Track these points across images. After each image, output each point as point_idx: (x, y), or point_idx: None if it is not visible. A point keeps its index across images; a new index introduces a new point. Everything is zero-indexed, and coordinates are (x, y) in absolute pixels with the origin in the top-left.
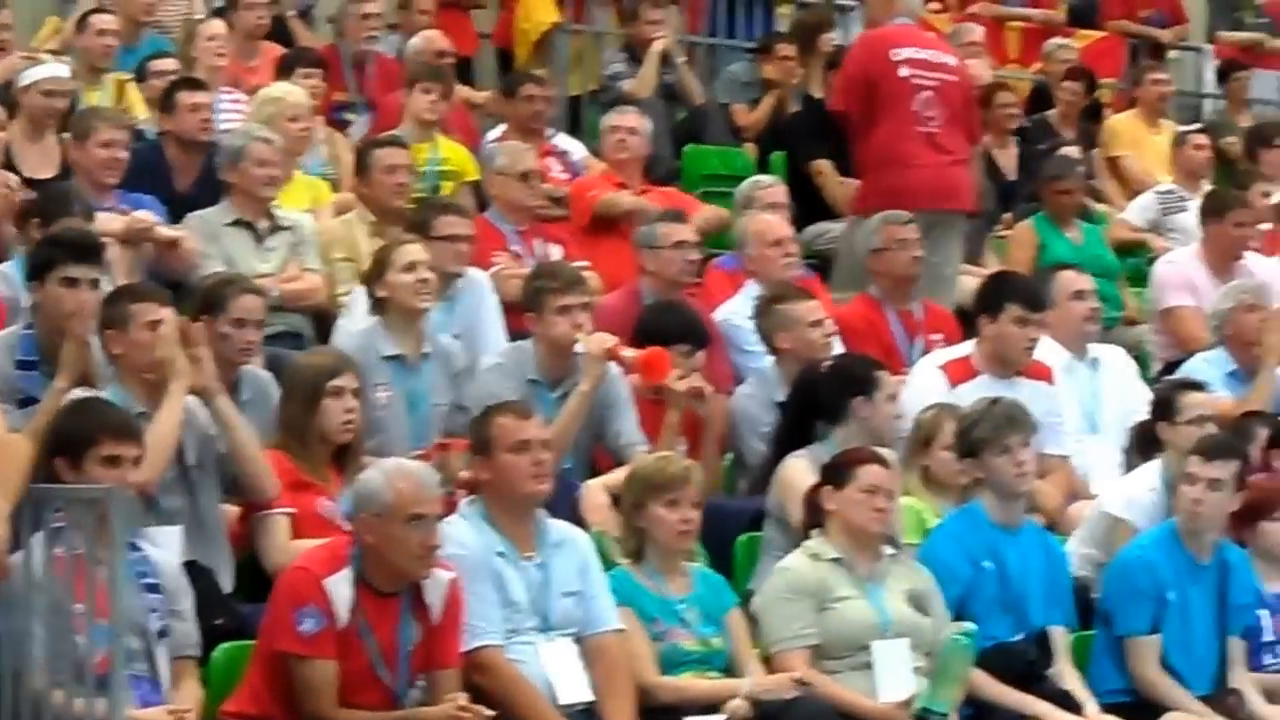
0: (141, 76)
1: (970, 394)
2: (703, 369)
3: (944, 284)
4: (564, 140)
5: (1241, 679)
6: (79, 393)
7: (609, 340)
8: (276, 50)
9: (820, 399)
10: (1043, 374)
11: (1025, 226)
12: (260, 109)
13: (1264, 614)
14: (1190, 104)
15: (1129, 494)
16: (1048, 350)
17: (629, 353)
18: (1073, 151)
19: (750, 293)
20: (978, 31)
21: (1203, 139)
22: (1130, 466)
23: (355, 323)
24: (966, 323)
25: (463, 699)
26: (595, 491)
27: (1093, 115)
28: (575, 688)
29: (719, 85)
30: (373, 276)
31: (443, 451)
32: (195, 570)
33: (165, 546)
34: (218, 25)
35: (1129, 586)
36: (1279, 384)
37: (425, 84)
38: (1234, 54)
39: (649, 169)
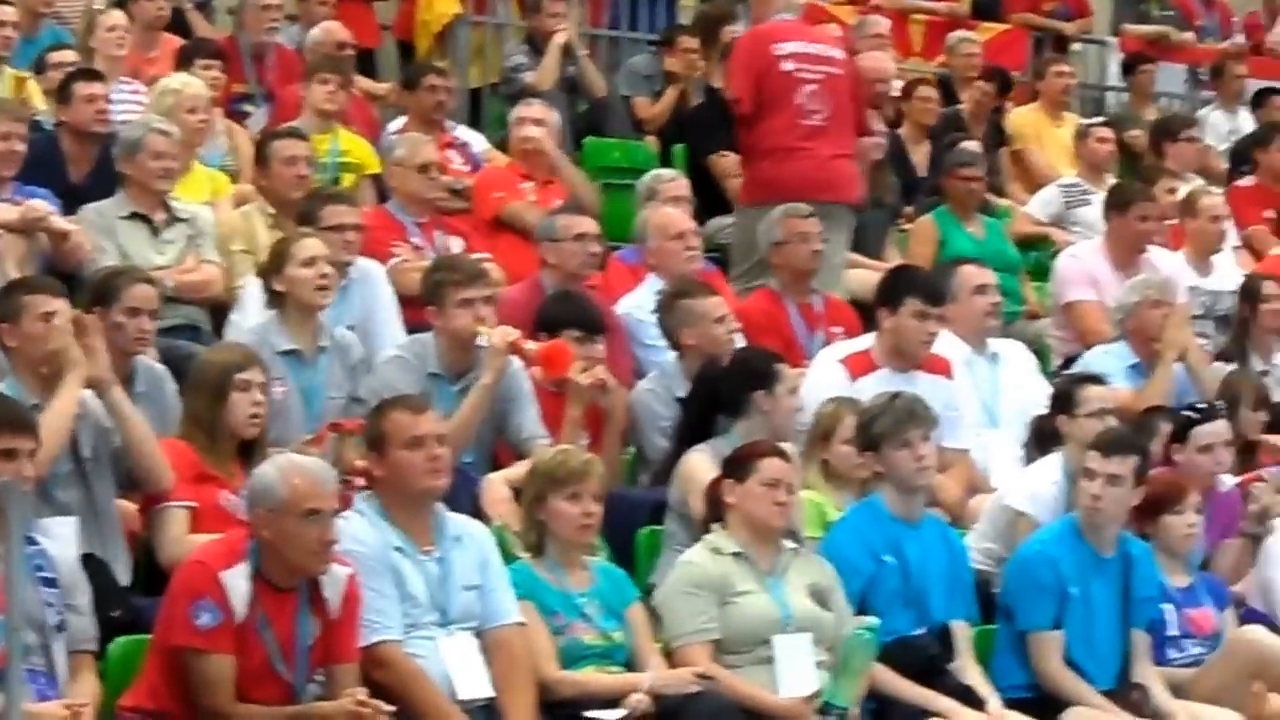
0: (41, 68)
1: (870, 387)
2: (604, 362)
3: (830, 274)
4: (465, 132)
5: (1145, 673)
6: None
7: (511, 334)
8: (176, 41)
9: (721, 393)
10: (942, 368)
11: (926, 221)
12: (159, 100)
13: (1167, 608)
14: (1094, 97)
15: (1030, 488)
16: (948, 344)
17: (530, 346)
18: (975, 145)
19: (652, 286)
20: (883, 24)
21: (1106, 132)
22: (1029, 460)
23: (249, 317)
24: (867, 316)
25: (361, 694)
26: (496, 485)
27: (998, 109)
28: (475, 682)
29: (621, 78)
30: (270, 270)
31: (336, 431)
32: (92, 564)
33: (61, 539)
34: (117, 16)
35: (1030, 581)
36: (1178, 378)
37: (324, 75)
38: (1140, 47)
39: None
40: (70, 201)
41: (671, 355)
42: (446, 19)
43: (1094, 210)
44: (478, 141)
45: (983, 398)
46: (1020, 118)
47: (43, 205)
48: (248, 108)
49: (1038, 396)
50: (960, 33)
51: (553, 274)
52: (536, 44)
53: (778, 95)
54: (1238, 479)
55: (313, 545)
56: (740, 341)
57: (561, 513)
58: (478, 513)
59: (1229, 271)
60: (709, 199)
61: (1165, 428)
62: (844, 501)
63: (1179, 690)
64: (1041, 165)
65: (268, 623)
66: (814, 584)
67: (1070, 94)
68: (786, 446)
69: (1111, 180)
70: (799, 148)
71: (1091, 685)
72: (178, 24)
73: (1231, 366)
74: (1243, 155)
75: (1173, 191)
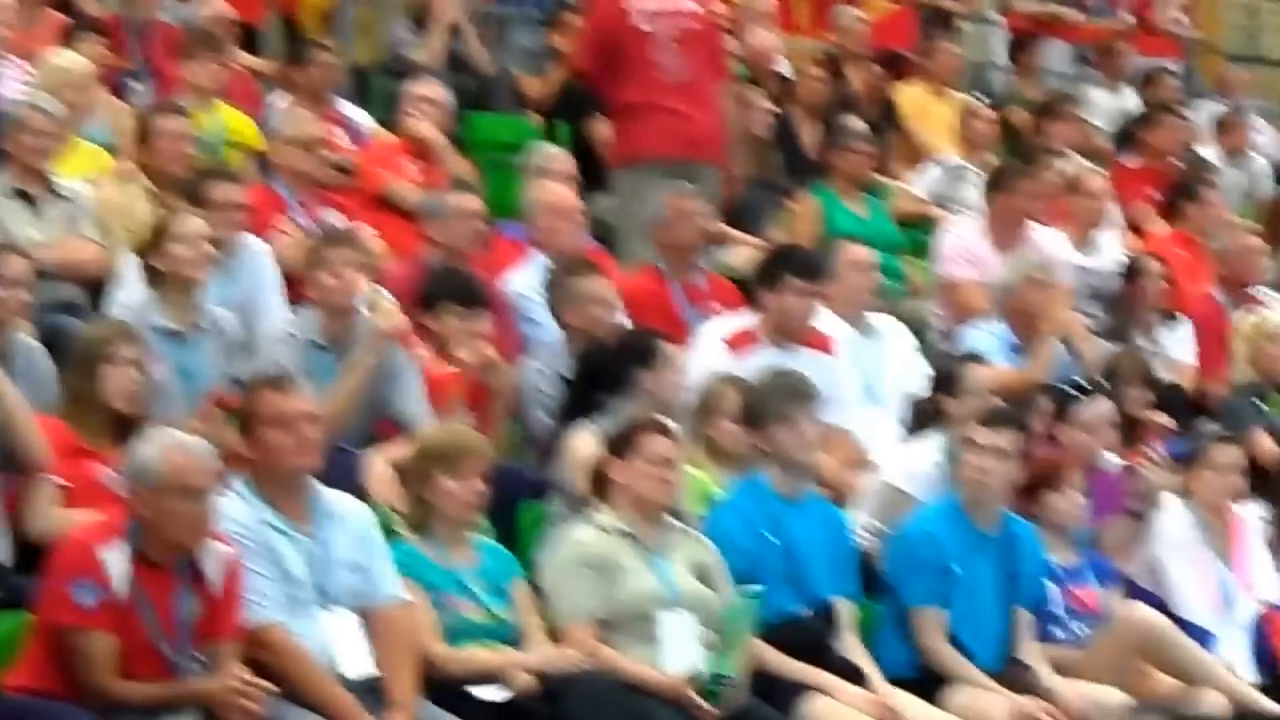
0: None
1: (752, 365)
2: (490, 339)
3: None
4: (350, 109)
5: (1029, 651)
6: None
7: (397, 320)
8: (60, 18)
9: (605, 371)
10: (823, 345)
11: (809, 199)
12: (43, 77)
13: (1052, 586)
14: (980, 76)
15: (910, 466)
16: (828, 322)
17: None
18: (859, 124)
19: (537, 263)
20: (768, 1)
21: (990, 111)
22: (909, 439)
23: (128, 294)
24: (751, 294)
25: (244, 672)
26: (377, 463)
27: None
28: (358, 661)
29: (507, 55)
30: (150, 247)
31: (218, 407)
32: None
33: None
34: None
35: (913, 559)
36: (1060, 356)
37: (206, 52)
38: (1027, 25)
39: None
40: None
41: (557, 332)
42: None
43: (975, 189)
44: (363, 118)
45: (863, 375)
46: (905, 96)
47: None
48: (132, 84)
49: (917, 374)
50: (848, 9)
51: (437, 251)
52: (422, 21)
53: (635, 54)
54: (1120, 457)
55: (189, 523)
56: (625, 320)
57: (447, 490)
58: (357, 490)
59: (1111, 250)
60: (594, 176)
61: (1047, 405)
62: (727, 478)
63: (1063, 669)
64: (925, 144)
65: (148, 601)
66: (697, 562)
67: (956, 73)
68: (670, 424)
69: (994, 159)
70: (659, 106)
71: (975, 663)
72: (62, 1)
73: (1114, 344)
74: (1128, 135)
75: (1055, 170)
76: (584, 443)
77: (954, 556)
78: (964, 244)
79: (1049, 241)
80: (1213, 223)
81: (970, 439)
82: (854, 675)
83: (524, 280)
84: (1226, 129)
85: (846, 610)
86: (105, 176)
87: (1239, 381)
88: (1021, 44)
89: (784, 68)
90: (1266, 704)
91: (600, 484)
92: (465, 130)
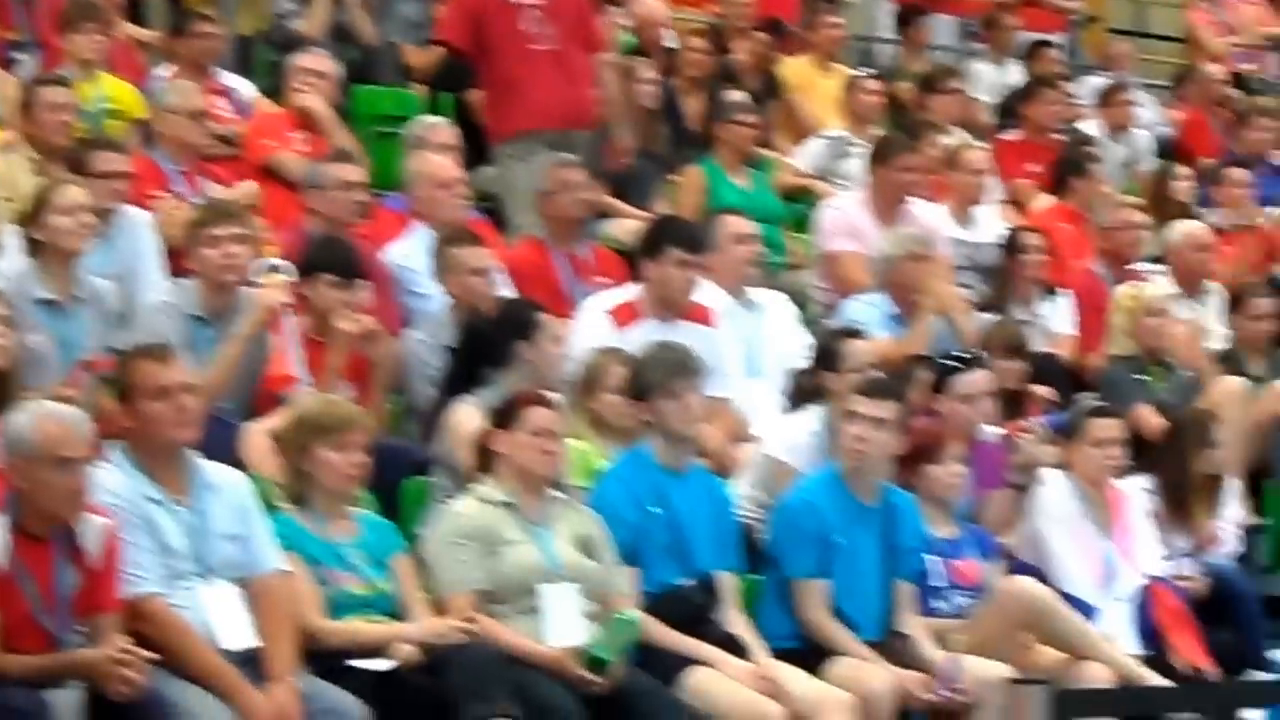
0: None
1: (635, 337)
2: (370, 310)
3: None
4: (233, 79)
5: (911, 624)
6: None
7: (279, 299)
8: None
9: (485, 344)
10: (704, 317)
11: (694, 171)
12: None
13: (933, 559)
14: (865, 49)
15: (789, 437)
16: (709, 294)
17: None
18: (743, 96)
19: (419, 234)
20: None
21: (874, 84)
22: (789, 412)
23: (8, 264)
24: (634, 266)
25: (124, 642)
26: (256, 434)
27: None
28: (238, 632)
29: (390, 25)
30: (30, 217)
31: (90, 371)
32: None
33: None
34: None
35: (794, 530)
36: (940, 330)
37: (87, 22)
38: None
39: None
40: None
41: (441, 304)
42: None
43: (858, 163)
44: (246, 89)
45: (745, 347)
46: (790, 69)
47: None
48: (18, 55)
49: (798, 346)
50: None
51: (318, 221)
52: None
53: (502, 26)
54: (1001, 429)
55: (64, 493)
56: (509, 292)
57: (327, 462)
58: (236, 461)
59: (991, 224)
60: (480, 147)
61: (925, 377)
62: (611, 451)
63: (945, 641)
64: (809, 117)
65: (27, 573)
66: (581, 534)
67: (840, 46)
68: (553, 395)
69: (879, 133)
70: (530, 78)
71: (857, 635)
72: None
73: (993, 317)
74: (1009, 109)
75: (936, 145)
76: (466, 416)
77: (835, 528)
78: (845, 217)
79: (929, 215)
80: (1095, 197)
81: (850, 410)
82: (736, 647)
83: (405, 251)
84: (1110, 103)
85: (729, 582)
86: None
87: (1118, 355)
88: (907, 17)
89: (670, 40)
90: (1149, 675)
91: (483, 456)
92: (349, 102)
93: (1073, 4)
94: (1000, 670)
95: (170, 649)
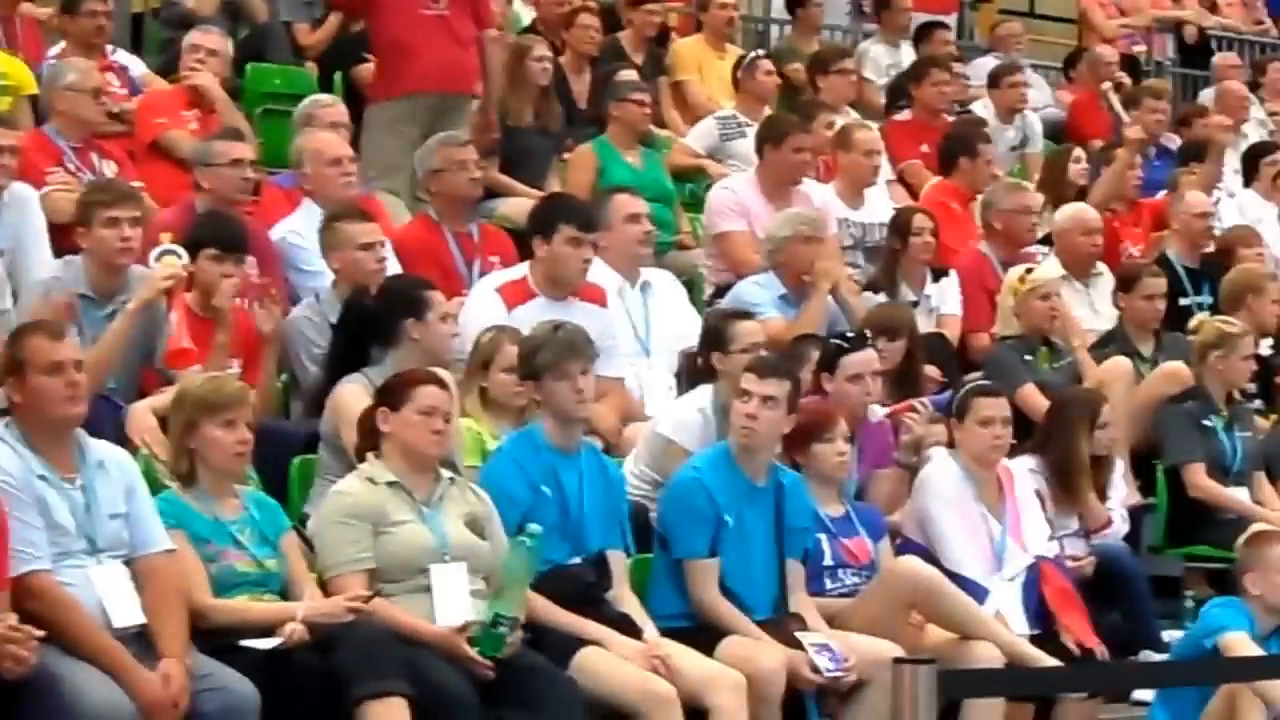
0: None
1: (526, 316)
2: (260, 286)
3: None
4: (124, 57)
5: (801, 603)
6: None
7: (167, 284)
8: None
9: (371, 321)
10: (597, 296)
11: (585, 150)
12: None
13: (822, 538)
14: (758, 30)
15: (678, 416)
16: (600, 273)
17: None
18: (633, 75)
19: (308, 211)
20: None
21: (767, 65)
22: (681, 393)
23: None
24: (525, 245)
25: (11, 619)
26: (142, 413)
27: (660, 41)
28: (127, 610)
29: (281, 4)
30: None
31: None
32: None
33: None
34: None
35: (684, 508)
36: (829, 309)
37: None
38: None
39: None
40: None
41: (329, 281)
42: None
43: (749, 143)
44: (136, 66)
45: (636, 326)
46: (682, 49)
47: None
48: None
49: (688, 326)
50: None
51: (206, 198)
52: None
53: None
54: (889, 409)
55: None
56: (399, 270)
57: (214, 440)
58: (122, 440)
59: (881, 204)
60: None
61: (814, 355)
62: (502, 430)
63: (835, 620)
64: (701, 97)
65: None
66: (470, 513)
67: (733, 26)
68: (443, 374)
69: (771, 113)
70: (425, 40)
71: (749, 614)
72: None
73: (881, 297)
74: (900, 89)
75: (828, 125)
76: (352, 395)
77: (725, 506)
78: (735, 197)
79: (819, 195)
80: (984, 178)
81: (740, 388)
82: (627, 626)
83: (293, 227)
84: (1001, 85)
85: (619, 561)
86: None
87: (1007, 335)
88: None
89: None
90: (1038, 655)
91: (371, 435)
92: (240, 79)
93: None
94: (889, 649)
95: (59, 626)
